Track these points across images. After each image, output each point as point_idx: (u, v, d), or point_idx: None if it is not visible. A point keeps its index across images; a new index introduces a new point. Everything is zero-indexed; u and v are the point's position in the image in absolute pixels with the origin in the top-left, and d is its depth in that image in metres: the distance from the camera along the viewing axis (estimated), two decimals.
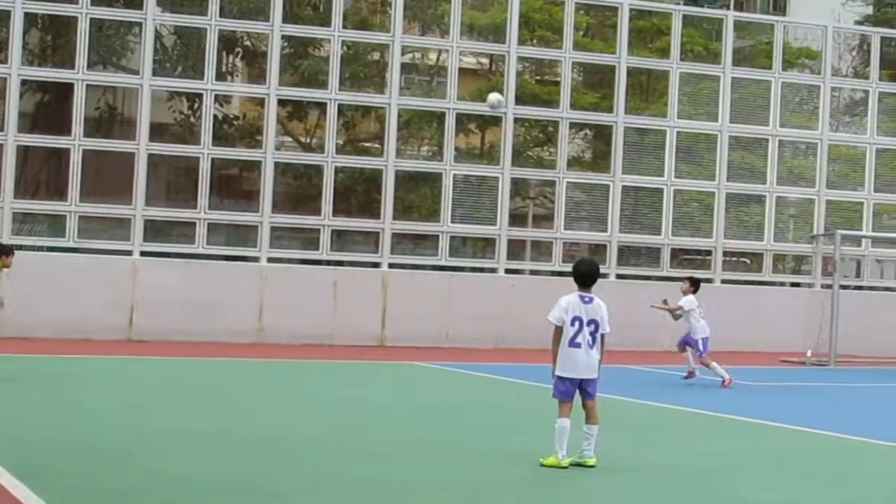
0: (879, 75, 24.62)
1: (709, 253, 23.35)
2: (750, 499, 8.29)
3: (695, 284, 16.75)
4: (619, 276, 22.08)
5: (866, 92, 24.74)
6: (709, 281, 22.85)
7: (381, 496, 7.84)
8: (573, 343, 9.05)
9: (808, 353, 21.04)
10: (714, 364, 16.10)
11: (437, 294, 20.89)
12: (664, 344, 18.14)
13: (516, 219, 23.13)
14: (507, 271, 21.77)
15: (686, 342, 16.35)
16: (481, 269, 22.17)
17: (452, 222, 21.43)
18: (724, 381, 15.93)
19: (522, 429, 11.10)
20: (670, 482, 8.82)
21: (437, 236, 21.48)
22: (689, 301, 16.39)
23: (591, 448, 9.04)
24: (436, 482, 8.40)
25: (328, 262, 20.80)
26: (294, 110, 24.00)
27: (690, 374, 16.34)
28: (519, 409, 12.96)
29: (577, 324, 9.04)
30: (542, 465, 8.93)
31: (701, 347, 16.12)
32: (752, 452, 10.43)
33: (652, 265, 22.74)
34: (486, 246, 22.44)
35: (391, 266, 21.07)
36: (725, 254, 23.45)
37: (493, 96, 18.36)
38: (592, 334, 9.08)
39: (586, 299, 9.10)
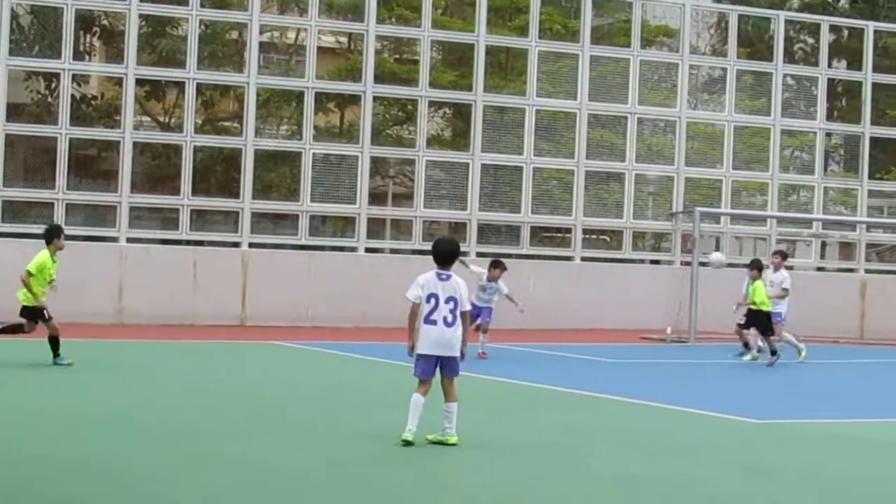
0: (737, 53, 28.23)
1: (568, 231, 26.65)
2: (604, 473, 9.41)
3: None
4: (480, 255, 25.14)
5: (724, 70, 28.35)
6: (568, 259, 26.22)
7: (240, 476, 8.55)
8: (429, 320, 10.05)
9: (668, 331, 24.06)
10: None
11: (298, 273, 23.67)
12: (517, 322, 20.93)
13: (376, 197, 26.16)
14: (368, 250, 24.70)
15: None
16: (341, 248, 25.04)
17: (312, 201, 24.28)
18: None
19: (381, 407, 12.12)
20: (528, 458, 9.91)
21: (297, 215, 24.32)
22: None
23: (452, 427, 10.05)
24: (295, 461, 9.29)
25: (188, 242, 23.50)
26: (152, 90, 26.55)
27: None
28: (378, 387, 14.32)
29: (433, 301, 10.02)
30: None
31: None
32: (609, 429, 11.92)
33: (512, 243, 25.91)
34: (346, 225, 25.35)
35: (251, 246, 23.85)
36: (585, 231, 26.78)
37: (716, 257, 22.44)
38: (452, 311, 10.03)
39: (443, 277, 10.11)
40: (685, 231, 26.68)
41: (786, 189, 28.91)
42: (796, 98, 29.54)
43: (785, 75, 28.56)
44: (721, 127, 28.08)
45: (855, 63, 29.76)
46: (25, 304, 15.30)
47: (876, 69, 28.82)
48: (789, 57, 29.60)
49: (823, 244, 29.61)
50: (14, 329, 15.48)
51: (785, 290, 20.45)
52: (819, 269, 29.40)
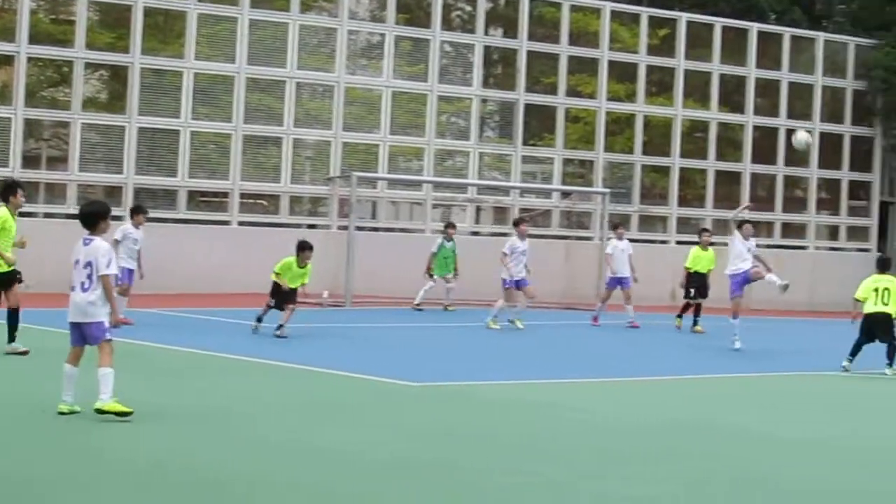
0: (395, 19, 33.83)
1: (226, 195, 31.61)
2: (272, 440, 11.11)
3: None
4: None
5: (383, 35, 33.93)
6: (226, 223, 31.23)
7: None
8: (72, 286, 11.75)
9: (325, 294, 29.37)
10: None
11: None
12: (176, 286, 25.57)
13: (30, 161, 30.31)
14: (21, 214, 28.72)
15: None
16: None
17: None
18: None
19: (43, 376, 13.71)
20: (196, 426, 11.60)
21: None
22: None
23: (105, 394, 11.45)
24: None
25: None
26: None
27: None
28: (39, 355, 16.05)
29: (76, 266, 11.73)
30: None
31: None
32: (269, 394, 14.03)
33: (169, 207, 30.65)
34: None
35: None
36: (243, 196, 31.84)
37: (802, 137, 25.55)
38: (89, 276, 11.58)
39: (86, 241, 11.74)
40: (342, 196, 32.13)
41: (442, 154, 34.90)
42: (453, 65, 35.54)
43: (442, 42, 34.47)
44: (379, 92, 33.69)
45: (510, 31, 35.99)
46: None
47: (531, 37, 35.13)
48: (447, 24, 35.45)
49: (478, 209, 35.81)
50: None
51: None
52: (474, 233, 35.58)
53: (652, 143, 37.35)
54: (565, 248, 34.73)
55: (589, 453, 11.46)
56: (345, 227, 31.11)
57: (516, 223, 26.80)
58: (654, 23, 37.41)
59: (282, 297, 21.20)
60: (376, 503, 9.07)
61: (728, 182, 38.07)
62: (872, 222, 40.29)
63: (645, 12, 37.14)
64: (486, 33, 35.78)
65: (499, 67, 37.91)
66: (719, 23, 37.98)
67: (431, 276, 29.62)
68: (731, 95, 38.61)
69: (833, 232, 40.27)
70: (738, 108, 38.40)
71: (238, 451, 10.61)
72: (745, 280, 23.10)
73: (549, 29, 36.04)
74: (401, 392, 15.13)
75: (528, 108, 35.63)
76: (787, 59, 38.88)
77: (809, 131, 38.28)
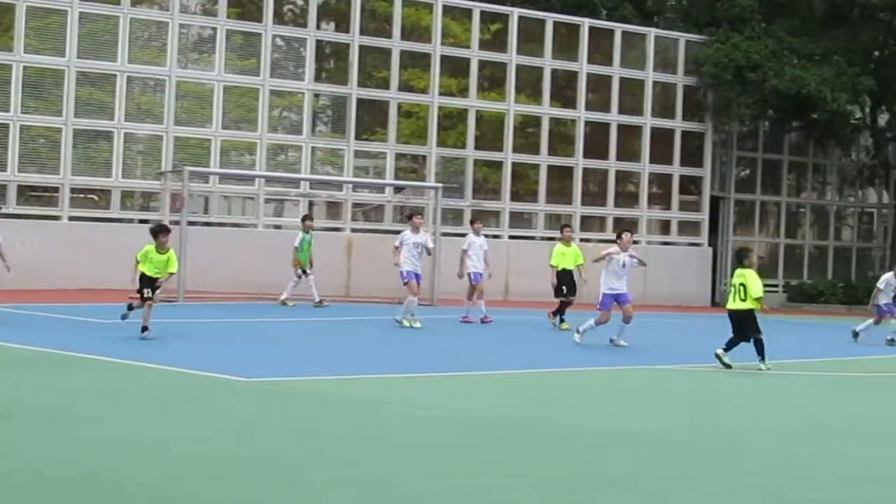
0: (227, 13, 36.12)
1: (56, 190, 33.56)
2: (96, 436, 11.71)
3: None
4: None
5: (214, 29, 36.18)
6: (56, 218, 33.19)
7: None
8: None
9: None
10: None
11: None
12: (6, 283, 27.22)
13: None
14: None
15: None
16: None
17: None
18: None
19: None
20: (11, 423, 12.27)
21: None
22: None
23: None
24: None
25: None
26: None
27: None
28: None
29: None
30: None
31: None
32: (98, 390, 14.79)
33: None
34: None
35: None
36: (73, 190, 33.81)
37: None
38: None
39: None
40: (174, 190, 34.26)
41: (274, 149, 37.28)
42: (285, 59, 37.96)
43: (274, 36, 36.87)
44: (211, 86, 35.95)
45: (343, 25, 38.52)
46: None
47: (363, 32, 37.69)
48: (279, 18, 37.84)
49: (311, 203, 38.23)
50: None
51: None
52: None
53: (484, 137, 40.22)
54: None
55: (410, 448, 12.00)
56: (177, 223, 32.99)
57: (409, 216, 28.77)
58: (486, 18, 40.26)
59: (146, 285, 21.53)
60: (196, 500, 9.50)
61: (560, 177, 41.03)
62: (704, 217, 43.63)
63: (477, 7, 39.86)
64: (318, 28, 38.21)
65: (331, 62, 40.44)
66: (551, 18, 40.95)
67: (303, 271, 31.72)
68: (563, 91, 41.63)
69: (665, 226, 43.50)
70: (570, 103, 41.43)
71: (58, 448, 11.12)
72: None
73: (381, 23, 38.70)
74: (229, 388, 15.96)
75: (361, 102, 38.19)
76: (619, 55, 42.03)
77: (640, 127, 41.63)
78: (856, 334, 28.51)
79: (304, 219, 33.12)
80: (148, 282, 21.70)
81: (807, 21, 45.18)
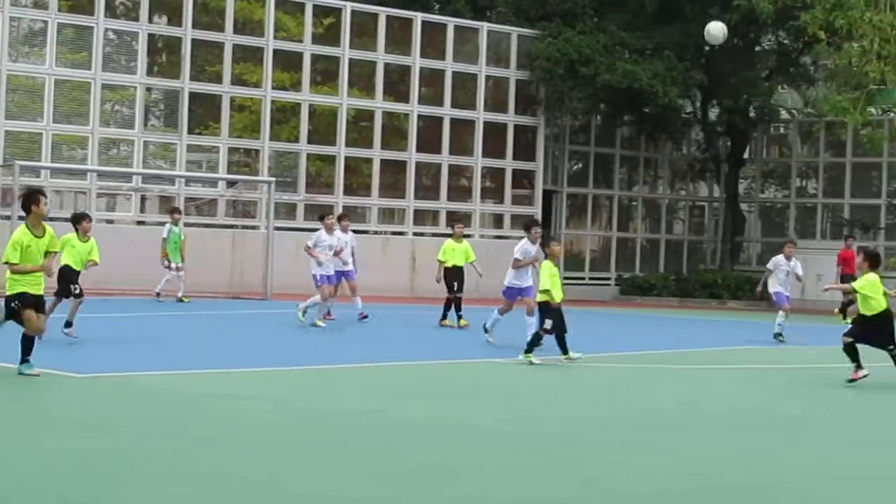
0: (59, 6, 37.78)
1: None
2: None
3: None
4: None
5: (46, 22, 37.82)
6: None
7: None
8: None
9: None
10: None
11: None
12: None
13: None
14: None
15: None
16: None
17: None
18: None
19: None
20: None
21: None
22: None
23: None
24: None
25: None
26: None
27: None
28: None
29: None
30: None
31: None
32: None
33: None
34: None
35: None
36: None
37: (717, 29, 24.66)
38: None
39: None
40: (5, 185, 35.82)
41: (106, 143, 39.06)
42: (117, 52, 39.73)
43: (106, 29, 38.65)
44: (42, 80, 37.58)
45: (175, 19, 40.36)
46: None
47: (195, 25, 39.59)
48: (110, 11, 39.52)
49: (143, 198, 40.05)
50: None
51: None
52: (139, 222, 39.76)
53: (317, 132, 42.39)
54: (231, 238, 39.30)
55: (231, 441, 12.60)
56: (7, 217, 34.44)
57: (321, 217, 29.63)
58: (319, 12, 42.35)
59: (66, 281, 21.58)
60: (25, 499, 9.75)
61: (394, 171, 43.30)
62: (536, 211, 46.02)
63: (310, 1, 41.82)
64: (151, 21, 40.03)
65: (163, 56, 42.28)
66: (384, 12, 43.16)
67: (169, 263, 33.48)
68: (396, 85, 43.93)
69: (498, 220, 45.95)
70: (403, 97, 43.73)
71: None
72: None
73: (213, 17, 40.61)
74: (62, 384, 16.56)
75: (193, 96, 40.13)
76: (451, 49, 44.39)
77: (473, 121, 44.08)
78: (779, 335, 28.50)
79: (172, 211, 34.82)
80: (74, 276, 21.77)
81: (638, 16, 47.71)
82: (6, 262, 16.73)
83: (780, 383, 20.68)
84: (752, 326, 33.87)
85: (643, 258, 50.67)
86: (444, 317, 29.18)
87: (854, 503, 10.97)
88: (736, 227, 51.73)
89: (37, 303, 16.79)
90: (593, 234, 50.54)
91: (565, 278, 45.25)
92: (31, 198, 17.24)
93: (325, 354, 22.21)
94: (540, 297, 21.29)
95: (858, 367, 19.34)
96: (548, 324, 20.93)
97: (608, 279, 48.86)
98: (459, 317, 28.98)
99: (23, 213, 17.59)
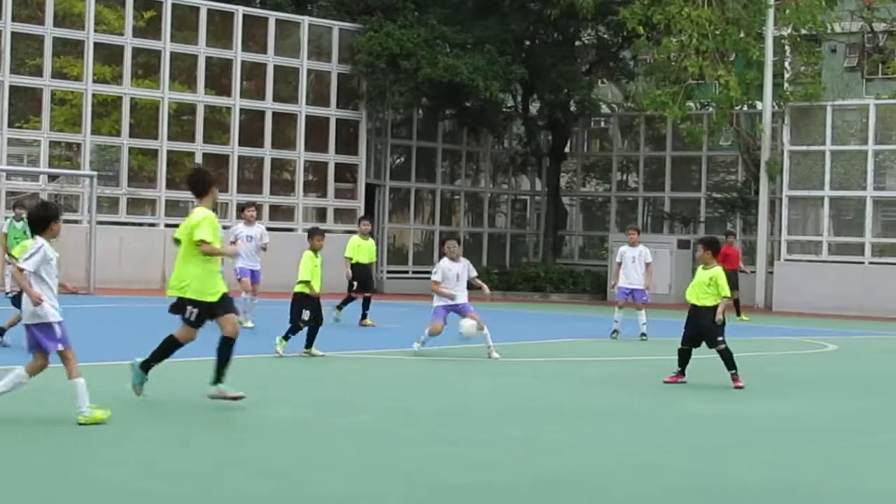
0: None
1: None
2: None
3: None
4: None
5: None
6: None
7: None
8: None
9: None
10: None
11: None
12: None
13: None
14: None
15: None
16: None
17: None
18: None
19: None
20: None
21: None
22: None
23: None
24: None
25: None
26: None
27: None
28: None
29: None
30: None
31: None
32: None
33: None
34: None
35: None
36: None
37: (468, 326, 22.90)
38: None
39: None
40: None
41: None
42: None
43: None
44: None
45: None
46: None
47: (15, 18, 41.43)
48: None
49: None
50: None
51: None
52: None
53: (139, 125, 44.41)
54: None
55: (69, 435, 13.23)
56: None
57: (242, 208, 30.26)
58: (140, 5, 44.44)
59: None
60: None
61: (216, 165, 45.13)
62: (359, 204, 48.34)
63: None
64: None
65: None
66: (205, 5, 45.26)
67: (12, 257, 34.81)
68: (218, 79, 46.17)
69: (321, 214, 48.23)
70: (226, 91, 45.98)
71: None
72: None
73: (33, 10, 42.48)
74: None
75: (14, 89, 42.00)
76: (273, 43, 46.72)
77: (295, 115, 46.50)
78: (643, 335, 28.35)
79: (15, 205, 35.87)
80: None
81: (459, 10, 50.28)
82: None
83: (594, 376, 21.18)
84: (574, 320, 36.02)
85: (466, 252, 51.83)
86: (364, 316, 30.04)
87: (640, 489, 11.53)
88: (558, 221, 54.61)
89: None
90: (416, 227, 53.10)
91: (389, 271, 48.78)
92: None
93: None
94: (298, 288, 21.92)
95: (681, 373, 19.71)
96: (305, 315, 21.64)
97: (431, 273, 51.26)
98: (364, 315, 29.99)
99: None
